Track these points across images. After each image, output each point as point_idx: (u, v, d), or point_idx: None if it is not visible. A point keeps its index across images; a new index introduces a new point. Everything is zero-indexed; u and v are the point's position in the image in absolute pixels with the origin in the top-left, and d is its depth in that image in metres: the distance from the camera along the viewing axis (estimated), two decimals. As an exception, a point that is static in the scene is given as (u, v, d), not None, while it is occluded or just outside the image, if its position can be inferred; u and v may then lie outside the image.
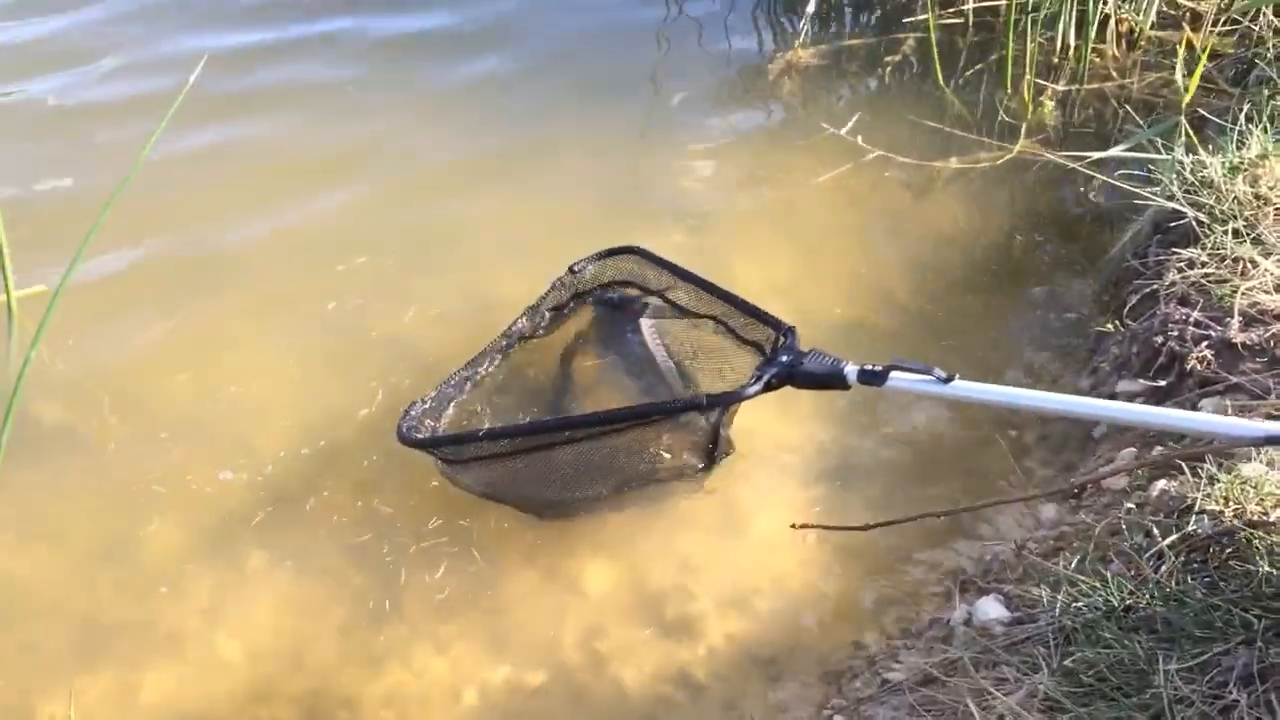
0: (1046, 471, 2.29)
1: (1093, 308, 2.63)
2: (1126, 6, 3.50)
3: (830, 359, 2.00)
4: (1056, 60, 3.49)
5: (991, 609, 1.80)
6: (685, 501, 2.26)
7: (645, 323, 2.52)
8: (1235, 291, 2.16)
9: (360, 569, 2.21)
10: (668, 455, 2.15)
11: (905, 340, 2.61)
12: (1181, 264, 2.31)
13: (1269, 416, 1.89)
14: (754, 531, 2.24)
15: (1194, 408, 2.02)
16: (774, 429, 2.40)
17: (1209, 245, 2.30)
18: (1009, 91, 3.39)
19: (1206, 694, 1.38)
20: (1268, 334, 2.06)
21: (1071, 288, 2.73)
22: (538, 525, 2.26)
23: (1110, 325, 2.41)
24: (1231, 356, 2.08)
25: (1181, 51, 3.24)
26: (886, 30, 3.79)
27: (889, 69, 3.61)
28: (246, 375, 2.61)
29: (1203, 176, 2.45)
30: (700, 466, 2.20)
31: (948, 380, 1.86)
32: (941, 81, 3.40)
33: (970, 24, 3.70)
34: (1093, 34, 3.38)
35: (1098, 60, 3.45)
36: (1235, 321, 2.12)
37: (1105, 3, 3.43)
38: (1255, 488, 1.69)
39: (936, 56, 3.36)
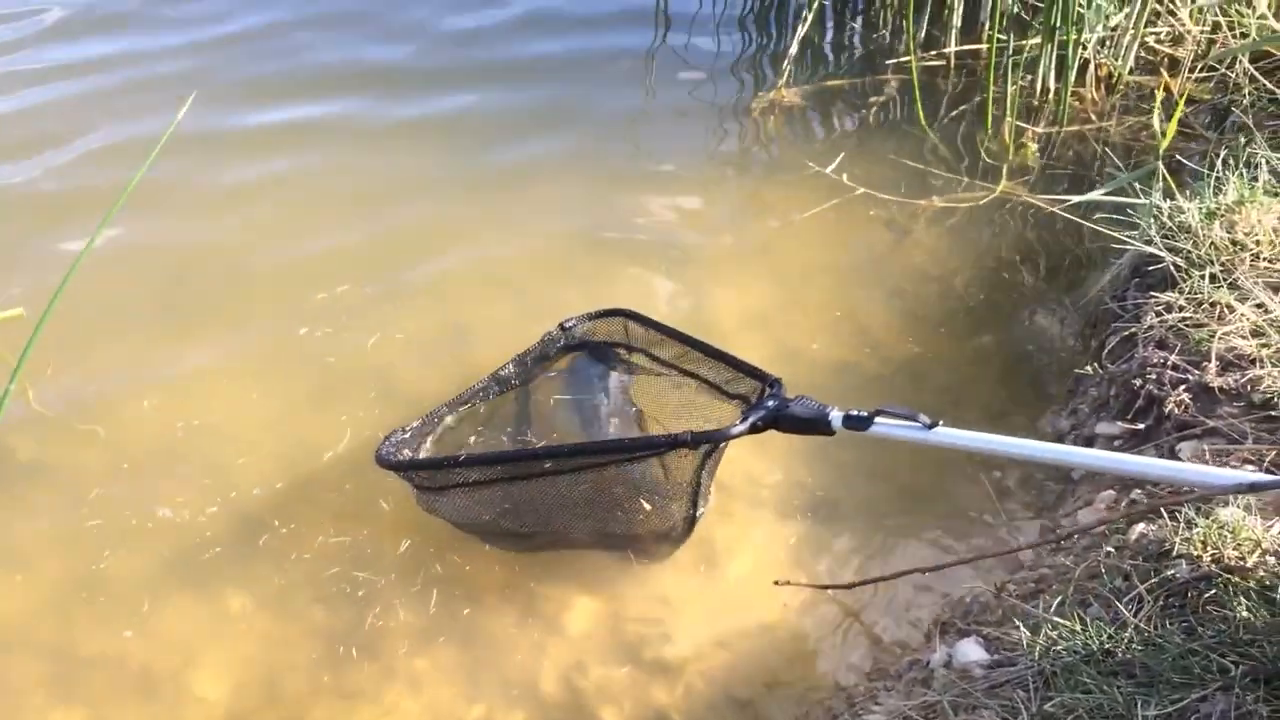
0: (1028, 514, 2.29)
1: (1072, 349, 2.65)
2: (1105, 52, 3.55)
3: (816, 404, 2.02)
4: (1037, 103, 3.54)
5: (971, 651, 1.79)
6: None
7: (617, 378, 2.52)
8: (1212, 336, 2.18)
9: (334, 604, 2.18)
10: (648, 506, 2.13)
11: (885, 380, 2.62)
12: (1159, 308, 2.33)
13: (1246, 461, 1.91)
14: (733, 570, 2.23)
15: (1172, 451, 2.03)
16: (754, 467, 2.40)
17: (1186, 290, 2.32)
18: (990, 133, 3.43)
19: (1185, 741, 1.38)
20: (1244, 379, 2.08)
21: (1051, 329, 2.75)
22: (516, 561, 2.24)
23: (1089, 367, 2.42)
24: (1209, 400, 2.09)
25: (1159, 96, 3.29)
26: (870, 72, 3.83)
27: (872, 109, 3.65)
28: (223, 407, 2.60)
29: (1180, 222, 2.47)
30: (682, 520, 2.17)
31: (931, 426, 1.88)
32: (924, 122, 3.44)
33: (952, 66, 3.75)
34: (1072, 78, 3.42)
35: (1078, 104, 3.49)
36: (1212, 366, 2.14)
37: (1084, 48, 3.48)
38: (1233, 533, 1.69)
39: (919, 98, 3.40)
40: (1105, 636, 1.60)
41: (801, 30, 3.82)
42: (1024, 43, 3.58)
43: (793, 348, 2.71)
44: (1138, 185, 2.80)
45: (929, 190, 3.23)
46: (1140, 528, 1.85)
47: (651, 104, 3.77)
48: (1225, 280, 2.30)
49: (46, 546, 2.31)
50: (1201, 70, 3.41)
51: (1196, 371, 2.15)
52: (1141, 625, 1.60)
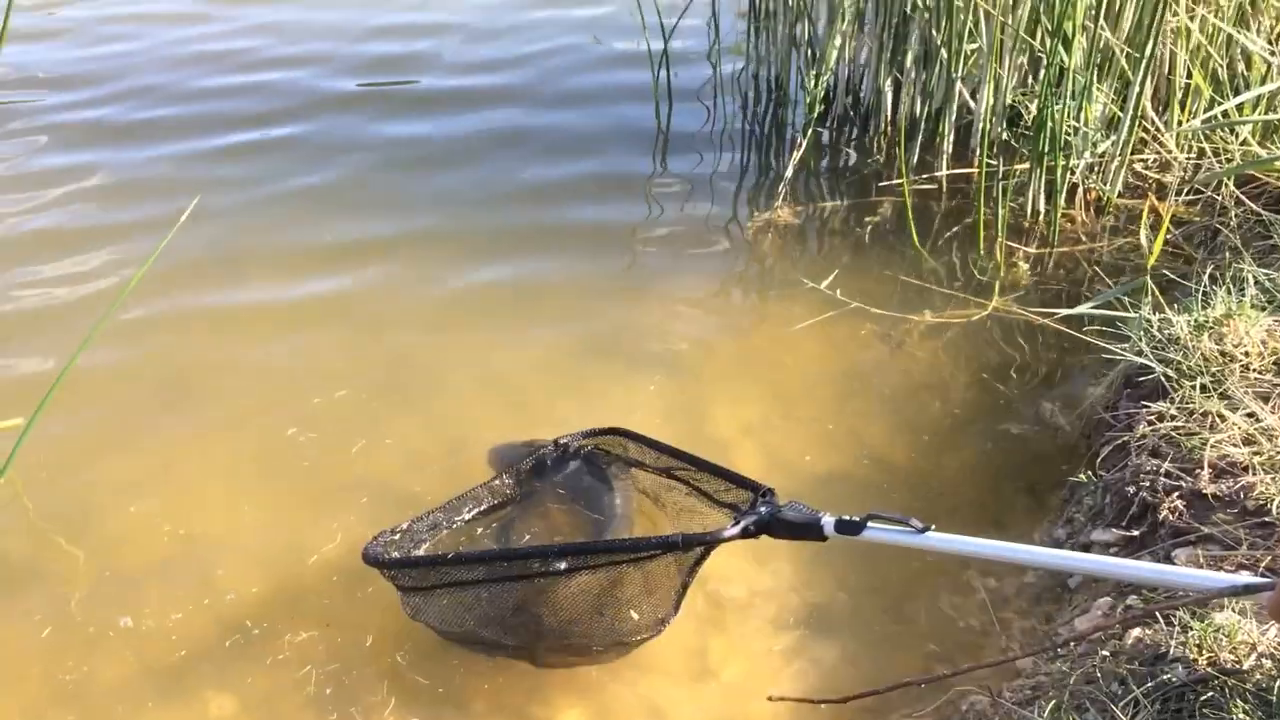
0: (1025, 623, 2.26)
1: (1067, 458, 2.65)
2: (1094, 176, 3.64)
3: (807, 510, 2.02)
4: (1028, 224, 3.61)
5: (967, 760, 1.75)
6: (656, 647, 2.21)
7: (610, 490, 2.52)
8: (1205, 444, 2.18)
9: (320, 709, 2.14)
10: (635, 615, 2.11)
11: (881, 489, 2.62)
12: (1152, 417, 2.34)
13: (1240, 566, 1.89)
14: (725, 680, 2.19)
15: (1168, 557, 2.01)
16: (747, 574, 2.38)
17: (1178, 399, 2.33)
18: (983, 252, 3.50)
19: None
20: (1237, 485, 2.08)
21: (1045, 439, 2.76)
22: (505, 667, 2.20)
23: (1084, 475, 2.42)
24: (1203, 507, 2.08)
25: (1146, 217, 3.36)
26: (863, 194, 3.93)
27: (866, 229, 3.73)
28: (215, 510, 2.59)
29: (1170, 334, 2.50)
30: (661, 621, 2.14)
31: (924, 531, 1.88)
32: (917, 242, 3.51)
33: (944, 189, 3.84)
34: (1062, 201, 3.50)
35: (1068, 225, 3.57)
36: (1205, 473, 2.13)
37: (1073, 173, 3.57)
38: (1228, 636, 1.67)
39: (912, 219, 3.47)
40: (1101, 741, 1.56)
41: (797, 155, 3.94)
42: (1014, 168, 3.68)
43: (788, 458, 2.72)
44: (1127, 300, 2.84)
45: (922, 306, 3.27)
46: (1136, 632, 1.82)
47: (650, 220, 3.86)
48: (1216, 390, 2.31)
49: (31, 653, 2.28)
50: (1189, 193, 3.49)
51: (1190, 479, 2.15)
52: (1138, 730, 1.57)
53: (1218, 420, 2.24)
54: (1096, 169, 3.64)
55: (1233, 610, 1.74)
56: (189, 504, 2.60)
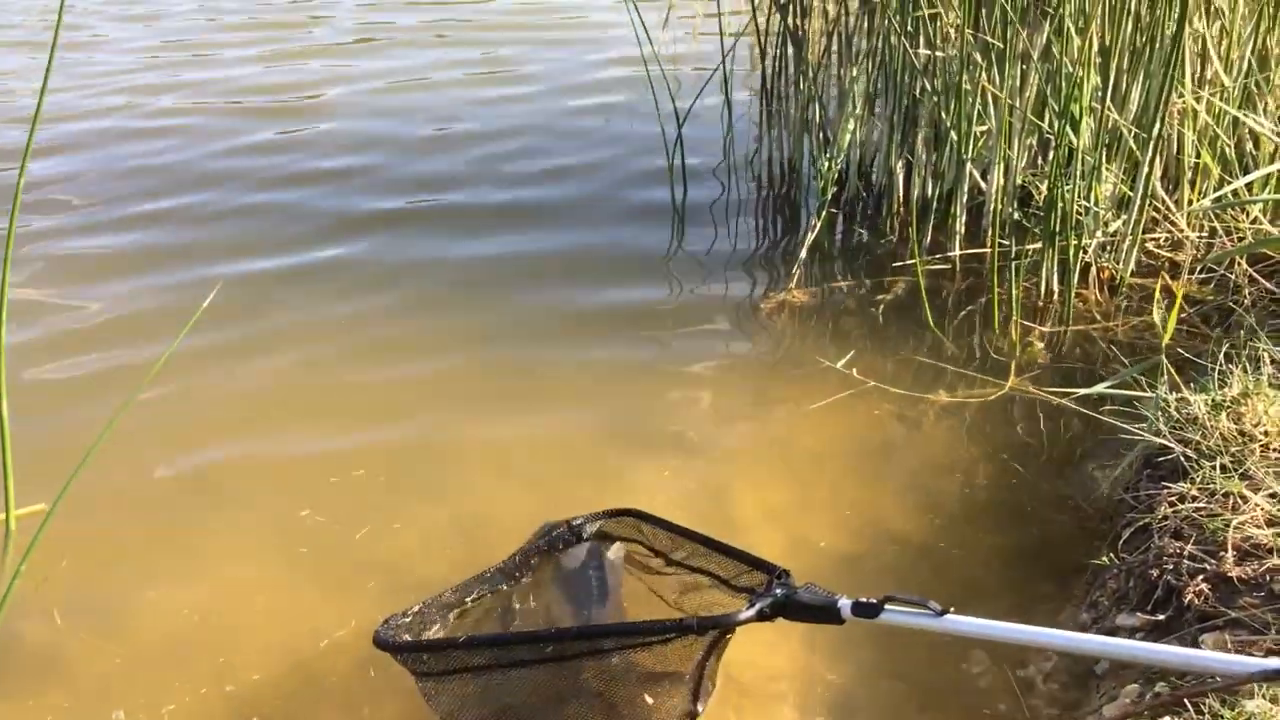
0: (1052, 710, 2.22)
1: (1088, 540, 2.62)
2: (1107, 256, 3.66)
3: (824, 592, 2.00)
4: (1042, 304, 3.63)
5: None
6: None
7: (624, 573, 2.50)
8: (1227, 526, 2.16)
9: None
10: (650, 700, 2.08)
11: (899, 573, 2.59)
12: (1173, 498, 2.33)
13: (1270, 652, 1.86)
14: (747, 770, 2.15)
15: (1194, 642, 1.98)
16: (765, 659, 2.35)
17: (1198, 480, 2.31)
18: (997, 332, 3.51)
19: None
20: (1262, 568, 2.05)
21: (1065, 520, 2.73)
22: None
23: (1106, 558, 2.39)
24: (1228, 590, 2.06)
25: (1159, 296, 3.37)
26: (877, 274, 3.96)
27: (880, 309, 3.75)
28: (233, 594, 2.58)
29: (1188, 414, 2.50)
30: (684, 715, 2.11)
31: (942, 614, 1.86)
32: (931, 322, 3.52)
33: (957, 269, 3.87)
34: (1075, 280, 3.52)
35: (1081, 304, 3.58)
36: (1229, 556, 2.11)
37: (1085, 252, 3.59)
38: (1260, 724, 1.64)
39: (926, 299, 3.49)
40: (1133, 835, 1.52)
41: (811, 236, 3.98)
42: (1026, 247, 3.71)
43: (806, 539, 2.70)
44: (1143, 379, 2.84)
45: (939, 385, 3.27)
46: (1165, 720, 1.79)
47: (665, 300, 3.90)
48: (1236, 470, 2.30)
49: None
50: (1202, 271, 3.51)
51: (1213, 561, 2.12)
52: (1171, 823, 1.53)
53: (1239, 501, 2.22)
54: (1109, 248, 3.66)
55: (1264, 697, 1.71)
56: (207, 588, 2.59)
